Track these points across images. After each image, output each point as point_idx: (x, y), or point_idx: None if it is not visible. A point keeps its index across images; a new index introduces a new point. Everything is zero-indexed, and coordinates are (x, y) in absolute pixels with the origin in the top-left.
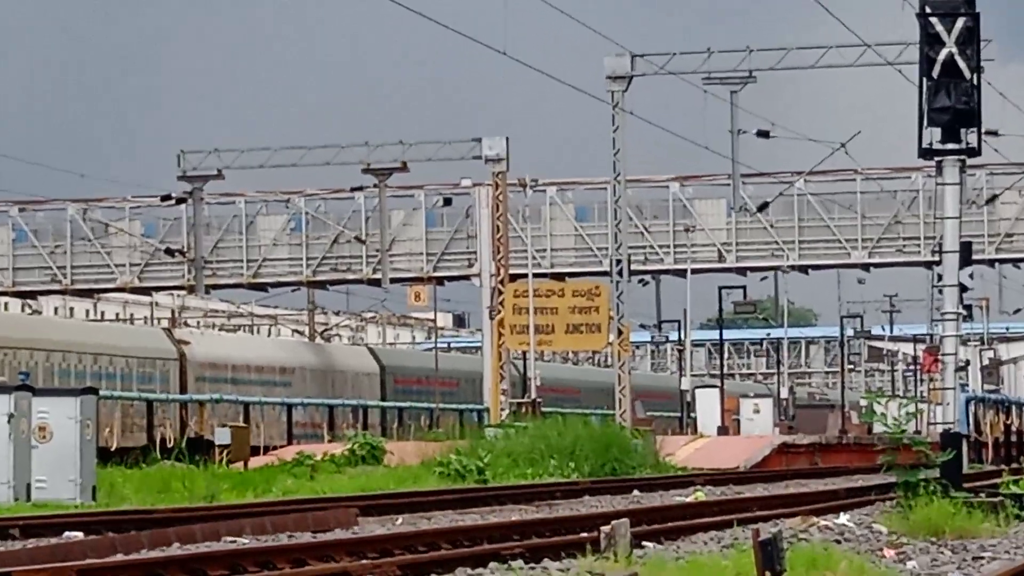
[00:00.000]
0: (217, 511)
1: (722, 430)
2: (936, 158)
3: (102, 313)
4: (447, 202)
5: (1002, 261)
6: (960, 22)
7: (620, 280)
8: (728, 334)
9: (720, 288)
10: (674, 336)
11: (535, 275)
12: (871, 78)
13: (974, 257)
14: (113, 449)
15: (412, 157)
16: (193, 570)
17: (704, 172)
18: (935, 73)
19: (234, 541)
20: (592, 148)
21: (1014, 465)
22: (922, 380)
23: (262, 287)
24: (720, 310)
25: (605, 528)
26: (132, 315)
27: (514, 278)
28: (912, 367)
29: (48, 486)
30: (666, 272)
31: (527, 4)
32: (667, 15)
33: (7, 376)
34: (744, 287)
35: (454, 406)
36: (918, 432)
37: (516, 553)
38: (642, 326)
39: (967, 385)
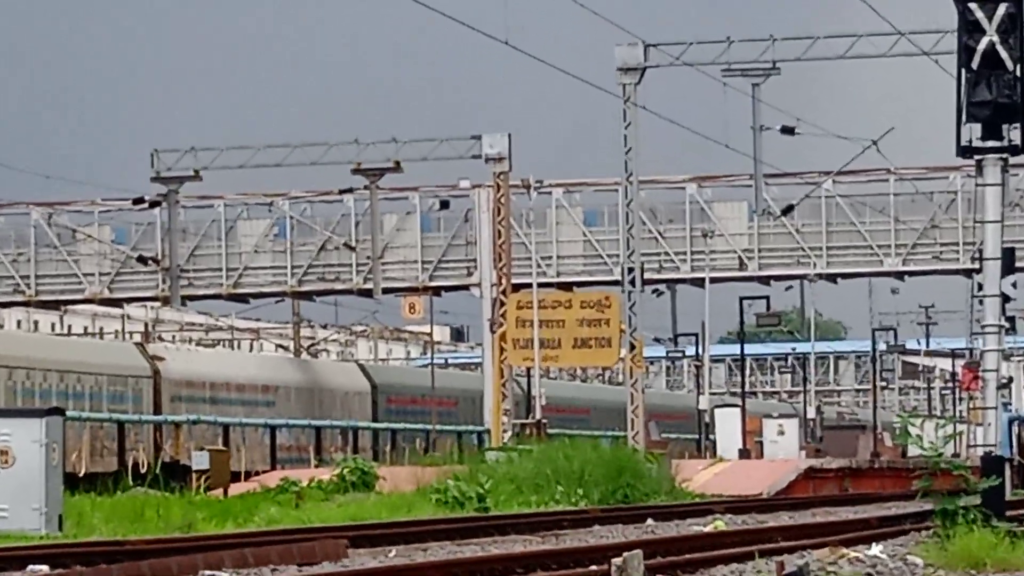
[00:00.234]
0: (194, 542)
1: (743, 453)
2: (976, 157)
3: (69, 327)
4: (444, 205)
5: None
6: (1002, 8)
7: (632, 290)
8: (750, 349)
9: (741, 299)
10: (691, 351)
11: (540, 285)
12: (905, 69)
13: (1017, 264)
14: (81, 475)
15: (406, 156)
16: None
17: (723, 172)
18: (975, 64)
19: (213, 575)
20: (602, 146)
21: None
22: (961, 399)
23: (243, 298)
24: (741, 322)
25: (616, 560)
26: (102, 329)
27: (517, 288)
28: (950, 384)
29: (10, 515)
30: (682, 281)
31: None
32: (683, 1)
33: None
34: (767, 297)
35: (452, 427)
36: (956, 455)
37: None
38: (656, 340)
39: (1010, 404)
